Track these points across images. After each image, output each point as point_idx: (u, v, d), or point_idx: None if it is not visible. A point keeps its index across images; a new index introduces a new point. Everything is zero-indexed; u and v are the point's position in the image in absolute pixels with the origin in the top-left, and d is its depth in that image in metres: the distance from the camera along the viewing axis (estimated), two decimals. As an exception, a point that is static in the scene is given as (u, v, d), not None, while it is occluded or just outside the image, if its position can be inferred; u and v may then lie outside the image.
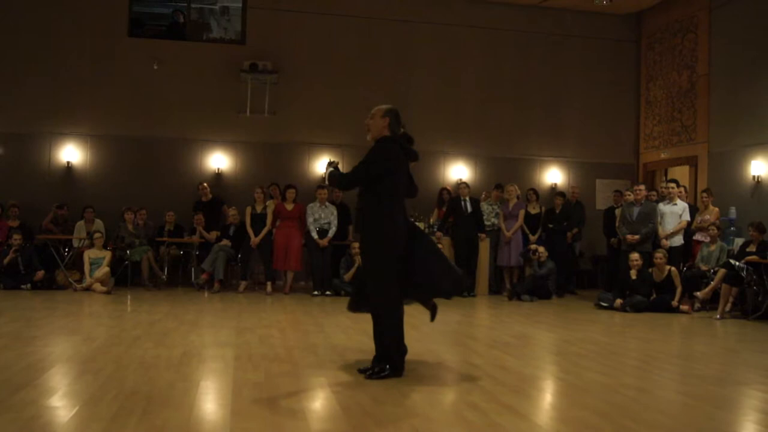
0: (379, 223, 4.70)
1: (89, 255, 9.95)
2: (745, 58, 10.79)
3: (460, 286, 5.38)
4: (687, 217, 9.81)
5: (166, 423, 3.42)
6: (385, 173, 4.71)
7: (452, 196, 11.13)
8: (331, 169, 5.00)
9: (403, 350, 4.75)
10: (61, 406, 3.75)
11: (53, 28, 11.46)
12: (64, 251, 10.59)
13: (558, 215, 11.19)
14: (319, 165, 11.88)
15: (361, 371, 4.66)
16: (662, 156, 12.58)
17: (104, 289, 9.60)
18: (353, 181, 4.92)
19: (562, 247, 10.97)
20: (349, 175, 4.92)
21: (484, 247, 10.83)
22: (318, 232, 10.26)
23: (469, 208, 10.72)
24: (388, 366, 4.60)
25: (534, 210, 11.25)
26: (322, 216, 10.32)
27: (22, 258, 9.80)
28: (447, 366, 5.34)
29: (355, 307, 5.05)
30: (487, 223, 10.99)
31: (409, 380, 4.56)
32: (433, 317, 4.97)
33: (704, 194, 10.12)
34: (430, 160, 12.40)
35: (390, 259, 4.66)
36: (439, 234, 10.64)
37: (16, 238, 9.88)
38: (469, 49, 12.64)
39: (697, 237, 9.90)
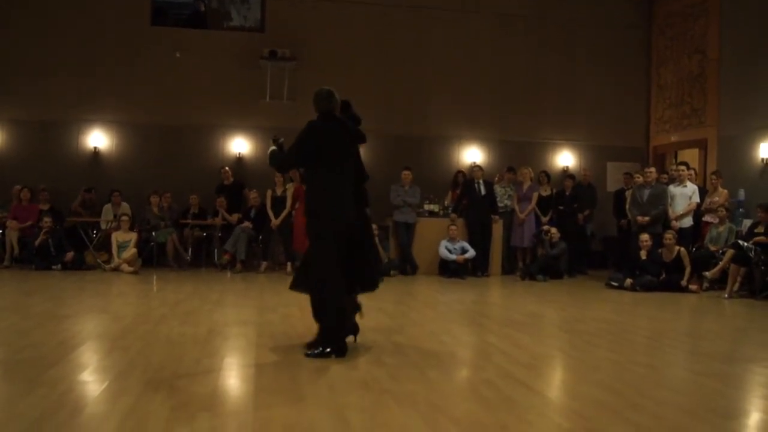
0: (322, 199, 4.66)
1: (117, 237, 10.18)
2: (754, 43, 10.83)
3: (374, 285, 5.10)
4: (697, 198, 9.90)
5: (192, 397, 3.54)
6: (317, 151, 4.63)
7: (466, 179, 11.32)
8: (273, 147, 4.93)
9: (348, 329, 4.79)
10: (91, 381, 3.89)
11: (78, 19, 11.63)
12: (93, 233, 10.84)
13: (568, 197, 11.37)
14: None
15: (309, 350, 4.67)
16: (672, 139, 12.64)
17: (131, 269, 9.84)
18: (285, 161, 4.86)
19: (572, 228, 11.13)
20: (282, 155, 4.87)
21: (498, 228, 11.03)
22: (336, 214, 10.45)
23: (483, 191, 10.90)
24: (329, 349, 4.58)
25: (545, 192, 11.43)
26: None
27: (53, 240, 10.01)
28: (462, 344, 5.51)
29: (294, 285, 5.00)
30: (500, 204, 11.16)
31: (425, 357, 4.69)
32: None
33: (713, 176, 10.19)
34: (445, 144, 12.60)
35: (331, 235, 4.62)
36: (453, 216, 10.86)
37: (47, 221, 10.09)
38: (483, 35, 12.72)
39: (707, 218, 9.99)
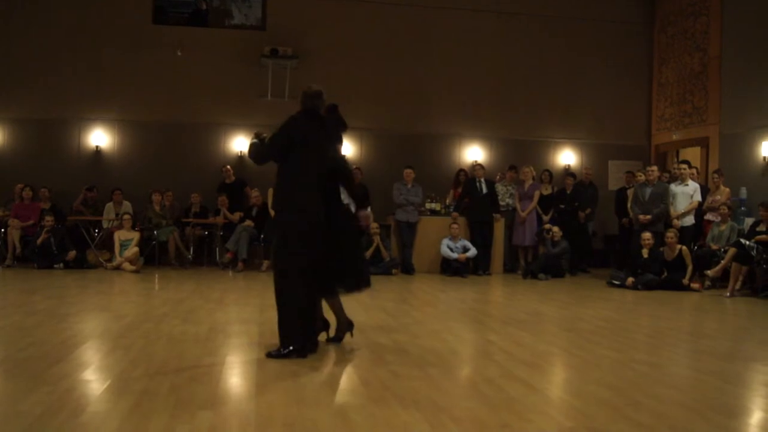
0: (288, 193, 4.63)
1: (119, 235, 10.21)
2: (755, 40, 10.82)
3: (360, 286, 4.99)
4: (698, 197, 9.89)
5: (193, 396, 3.56)
6: (292, 145, 4.61)
7: (468, 178, 11.30)
8: (255, 140, 4.92)
9: (315, 328, 4.72)
10: (94, 379, 3.90)
11: (80, 18, 11.65)
12: (95, 232, 10.87)
13: (569, 196, 11.35)
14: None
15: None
16: (674, 137, 12.64)
17: (133, 268, 9.88)
18: (263, 154, 4.79)
19: (572, 227, 11.11)
20: (261, 148, 4.82)
21: (499, 227, 11.04)
22: (338, 213, 10.45)
23: (484, 189, 10.90)
24: (291, 348, 4.49)
25: (546, 191, 11.43)
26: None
27: (55, 239, 10.03)
28: (463, 342, 5.51)
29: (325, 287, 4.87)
30: (501, 203, 11.17)
31: (426, 356, 4.68)
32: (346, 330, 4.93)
33: (715, 175, 10.19)
34: (447, 142, 12.60)
35: (298, 234, 4.57)
36: (455, 214, 10.85)
37: (49, 220, 10.09)
38: (484, 33, 12.72)
39: (708, 217, 9.99)
